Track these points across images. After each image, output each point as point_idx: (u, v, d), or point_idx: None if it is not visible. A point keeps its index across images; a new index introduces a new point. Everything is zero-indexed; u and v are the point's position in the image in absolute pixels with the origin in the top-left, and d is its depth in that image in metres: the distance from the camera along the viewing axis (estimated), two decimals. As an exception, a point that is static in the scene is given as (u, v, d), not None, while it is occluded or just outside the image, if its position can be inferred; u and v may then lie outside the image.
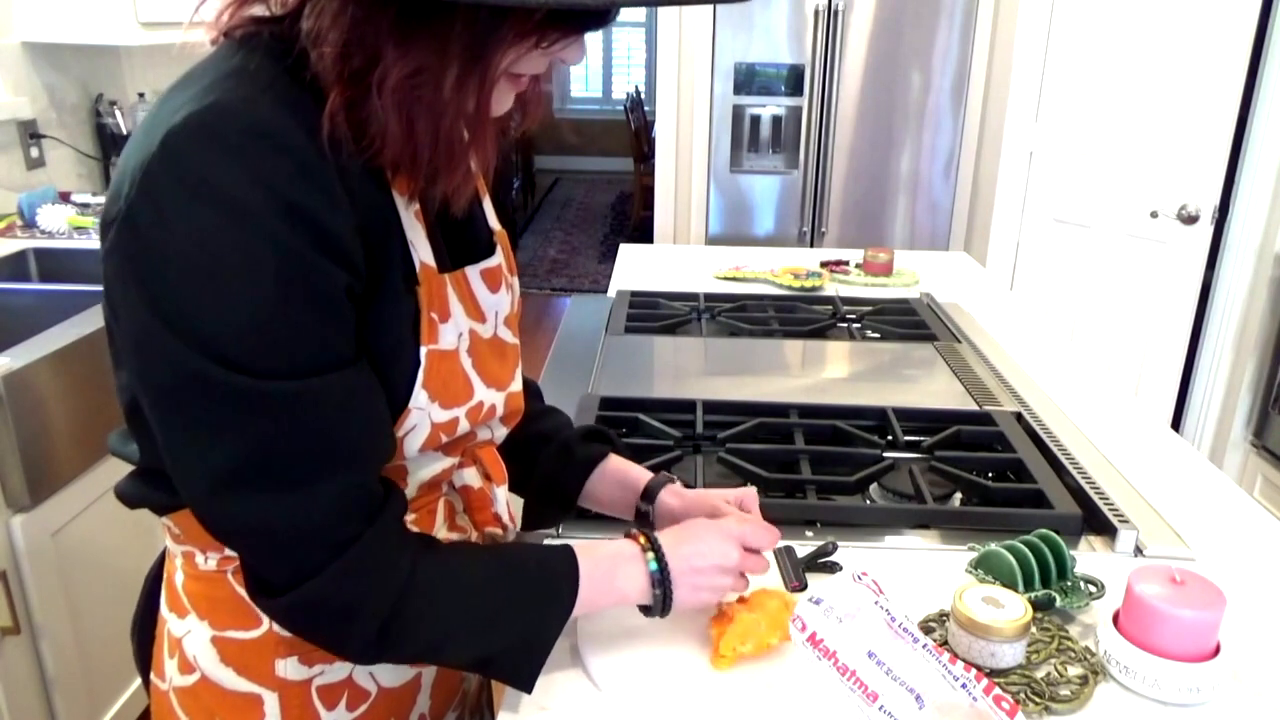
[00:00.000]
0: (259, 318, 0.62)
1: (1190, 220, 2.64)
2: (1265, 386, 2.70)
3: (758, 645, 0.84)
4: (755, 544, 0.86)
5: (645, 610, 0.84)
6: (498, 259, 0.84)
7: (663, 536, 0.83)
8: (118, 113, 2.67)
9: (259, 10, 0.69)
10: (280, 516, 0.66)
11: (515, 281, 0.90)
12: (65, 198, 2.44)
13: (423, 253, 0.74)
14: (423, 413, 0.74)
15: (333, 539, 0.68)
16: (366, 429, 0.70)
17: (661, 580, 0.81)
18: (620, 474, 0.98)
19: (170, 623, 0.84)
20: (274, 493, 0.66)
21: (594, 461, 0.98)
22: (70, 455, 1.65)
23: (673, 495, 0.95)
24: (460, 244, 0.82)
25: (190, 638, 0.81)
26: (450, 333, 0.76)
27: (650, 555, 0.82)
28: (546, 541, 1.06)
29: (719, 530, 0.85)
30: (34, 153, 2.43)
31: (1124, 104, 2.80)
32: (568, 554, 0.80)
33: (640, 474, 0.98)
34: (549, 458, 0.99)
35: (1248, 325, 2.74)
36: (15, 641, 1.58)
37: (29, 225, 2.30)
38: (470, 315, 0.79)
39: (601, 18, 0.67)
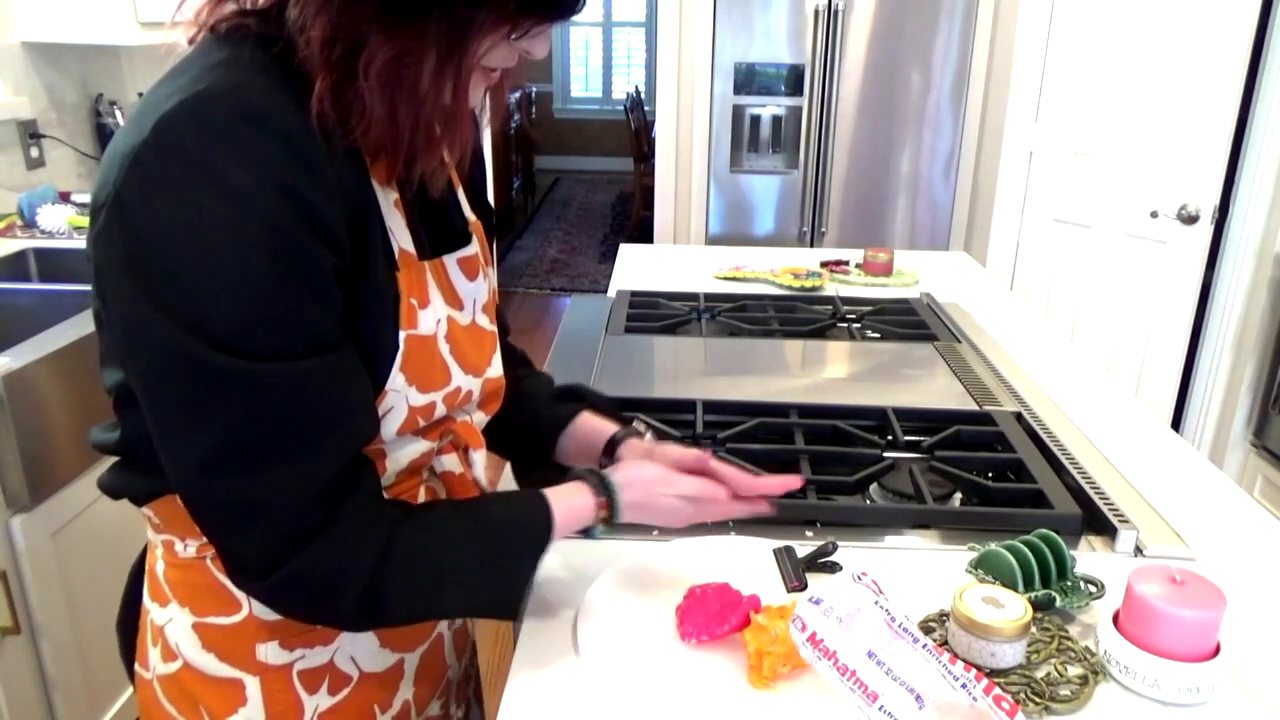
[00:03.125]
0: (251, 299, 0.63)
1: (1190, 220, 2.64)
2: (1265, 386, 2.70)
3: (796, 665, 0.83)
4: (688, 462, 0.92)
5: (587, 531, 0.87)
6: (474, 248, 0.86)
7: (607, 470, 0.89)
8: (118, 112, 2.67)
9: (236, 6, 0.71)
10: (263, 496, 0.67)
11: (492, 271, 0.92)
12: (65, 198, 2.43)
13: (402, 240, 0.76)
14: (400, 395, 0.76)
15: (314, 517, 0.69)
16: (352, 410, 0.71)
17: (607, 489, 0.86)
18: (585, 433, 1.02)
19: (152, 612, 0.85)
20: (262, 472, 0.67)
21: (562, 423, 1.02)
22: (70, 455, 1.65)
23: (628, 449, 0.99)
24: (437, 234, 0.83)
25: (172, 625, 0.82)
26: (429, 318, 0.78)
27: (595, 478, 0.87)
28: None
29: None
30: (34, 153, 2.43)
31: (1124, 103, 2.80)
32: (540, 501, 0.83)
33: (601, 430, 1.02)
34: (522, 423, 1.02)
35: (1248, 325, 2.74)
36: (15, 641, 1.58)
37: (29, 225, 2.30)
38: (448, 302, 0.81)
39: (570, 7, 0.71)
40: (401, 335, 0.75)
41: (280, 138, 0.64)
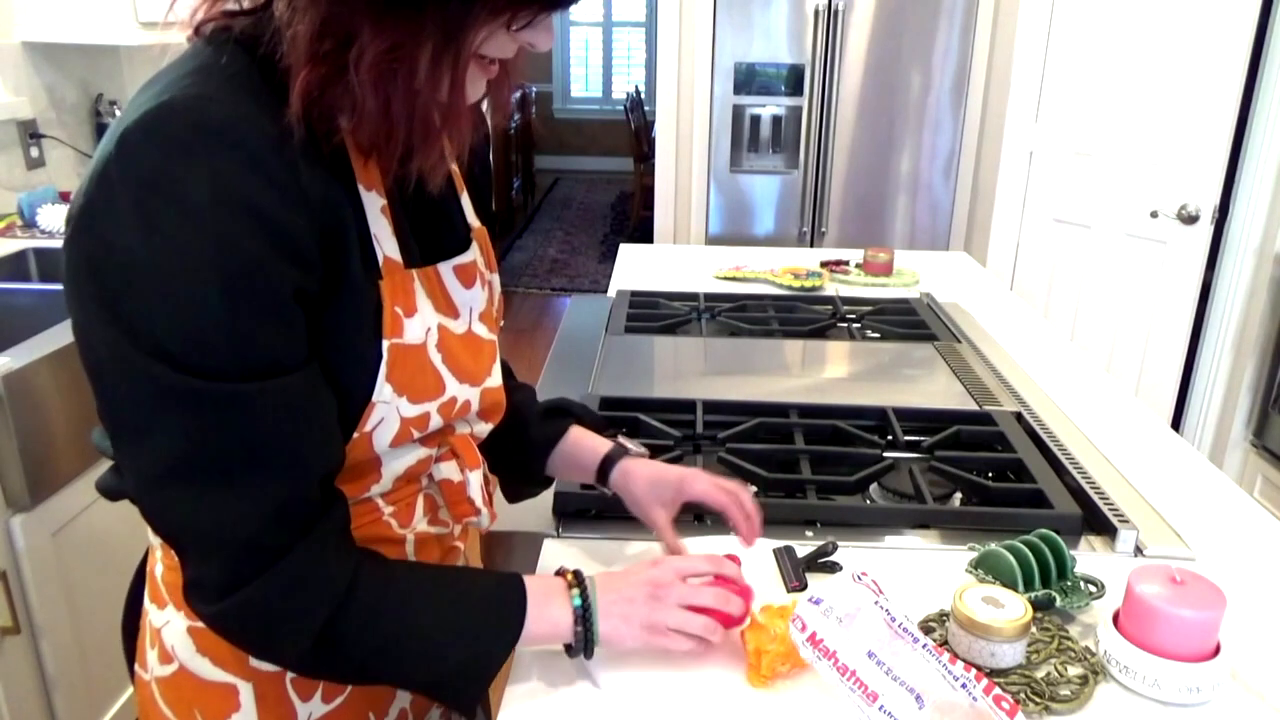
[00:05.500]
0: (203, 319, 0.62)
1: (1190, 220, 2.64)
2: (1265, 386, 2.70)
3: (795, 664, 0.83)
4: (693, 569, 0.85)
5: (569, 650, 0.81)
6: (473, 255, 0.85)
7: (596, 576, 0.83)
8: (117, 112, 2.67)
9: (231, 5, 0.70)
10: (210, 517, 0.66)
11: (495, 278, 0.90)
12: (65, 198, 2.43)
13: (387, 248, 0.74)
14: (389, 406, 0.74)
15: (264, 546, 0.67)
16: (305, 438, 0.68)
17: (584, 616, 0.79)
18: (576, 450, 1.02)
19: (151, 614, 0.85)
20: (204, 492, 0.65)
21: (551, 442, 1.02)
22: (70, 455, 1.65)
23: (621, 474, 0.98)
24: (434, 240, 0.82)
25: (169, 628, 0.82)
26: (416, 327, 0.76)
27: (575, 591, 0.80)
28: (547, 541, 1.06)
29: (651, 563, 0.85)
30: (34, 153, 2.43)
31: (1124, 103, 2.80)
32: (516, 583, 0.80)
33: (594, 449, 1.01)
34: (508, 440, 1.01)
35: (1248, 325, 2.74)
36: (15, 641, 1.58)
37: (29, 225, 2.30)
38: (441, 310, 0.79)
39: None
40: (384, 344, 0.73)
41: (242, 151, 0.62)
